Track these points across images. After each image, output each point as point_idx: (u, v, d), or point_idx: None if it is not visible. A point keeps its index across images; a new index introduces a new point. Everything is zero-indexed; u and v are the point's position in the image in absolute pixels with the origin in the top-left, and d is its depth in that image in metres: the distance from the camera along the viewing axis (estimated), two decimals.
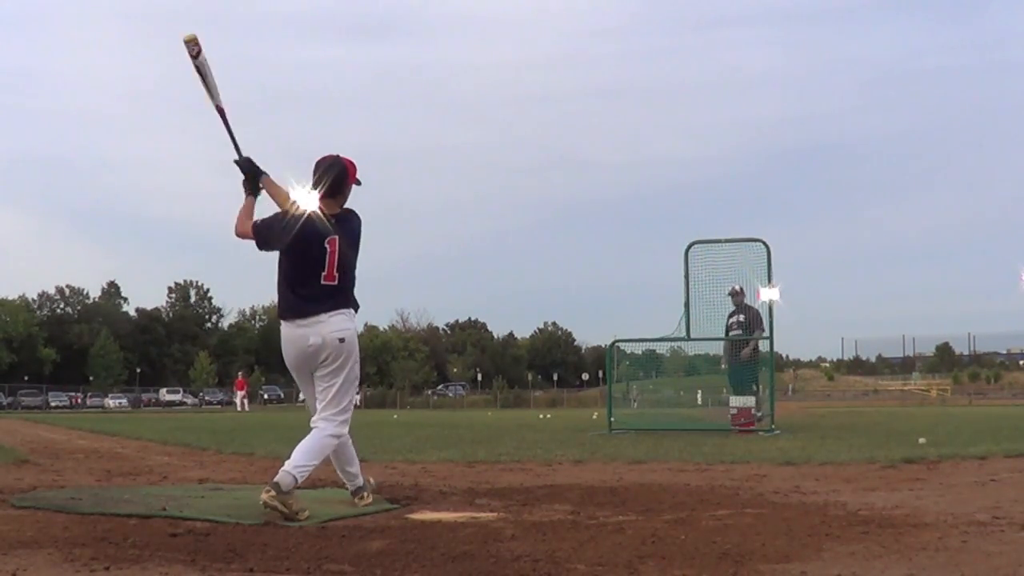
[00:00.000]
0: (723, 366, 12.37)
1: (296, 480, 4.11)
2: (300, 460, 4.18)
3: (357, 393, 4.70)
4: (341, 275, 4.33)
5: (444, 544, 3.33)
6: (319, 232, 4.28)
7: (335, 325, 4.28)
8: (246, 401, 42.75)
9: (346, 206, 4.45)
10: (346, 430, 4.42)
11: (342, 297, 4.36)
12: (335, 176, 4.36)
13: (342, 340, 4.28)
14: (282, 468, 4.12)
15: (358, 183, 4.47)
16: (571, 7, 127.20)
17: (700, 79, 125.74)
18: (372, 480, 4.76)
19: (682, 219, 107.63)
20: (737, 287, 11.94)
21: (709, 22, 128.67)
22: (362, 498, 4.52)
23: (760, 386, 11.82)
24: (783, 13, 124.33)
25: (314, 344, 4.26)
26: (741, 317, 11.95)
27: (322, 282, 4.29)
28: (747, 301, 11.99)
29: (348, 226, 4.40)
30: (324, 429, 4.31)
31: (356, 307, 4.46)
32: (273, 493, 4.03)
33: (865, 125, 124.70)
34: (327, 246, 4.29)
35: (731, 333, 12.01)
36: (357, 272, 4.48)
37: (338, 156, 4.42)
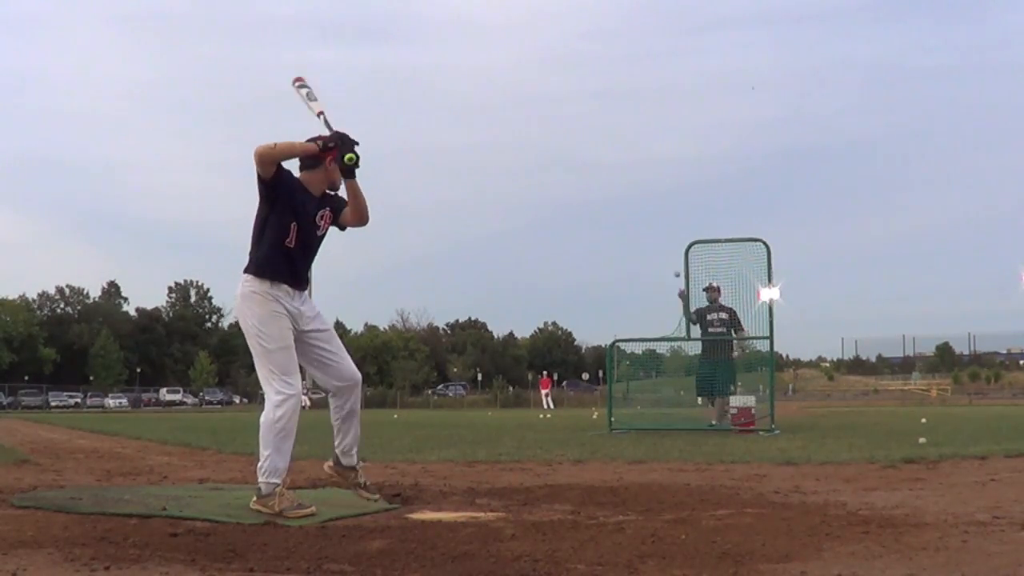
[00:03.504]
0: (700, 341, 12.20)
1: (267, 479, 4.12)
2: (259, 460, 4.20)
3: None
4: None
5: (444, 544, 3.32)
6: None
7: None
8: (551, 400, 41.23)
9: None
10: (283, 409, 4.12)
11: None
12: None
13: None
14: None
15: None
16: (570, 8, 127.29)
17: (699, 79, 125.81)
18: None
19: (682, 219, 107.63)
20: (715, 283, 11.92)
21: (708, 23, 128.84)
22: (356, 482, 4.48)
23: (736, 387, 11.83)
24: (782, 13, 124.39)
25: None
26: (723, 315, 11.92)
27: None
28: (722, 301, 11.95)
29: None
30: (263, 415, 4.22)
31: (253, 271, 4.25)
32: (254, 498, 4.17)
33: (865, 125, 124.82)
34: None
35: (711, 330, 11.97)
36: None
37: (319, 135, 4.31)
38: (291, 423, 4.17)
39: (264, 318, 4.20)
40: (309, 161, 4.25)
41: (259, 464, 4.19)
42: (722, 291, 11.93)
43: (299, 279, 4.33)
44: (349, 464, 4.51)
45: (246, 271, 4.28)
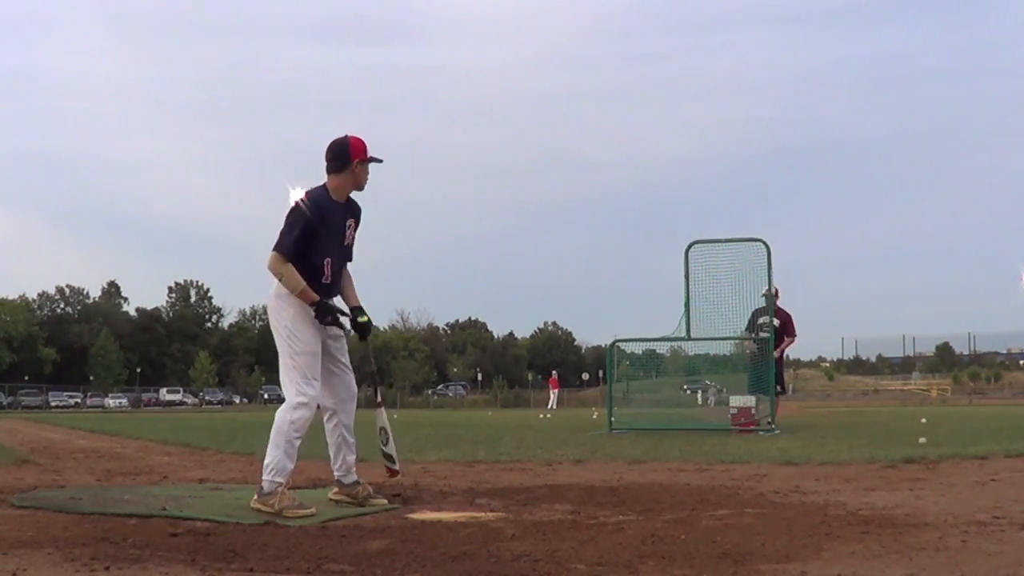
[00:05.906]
0: (748, 343, 12.24)
1: (272, 477, 4.12)
2: (266, 458, 4.20)
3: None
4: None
5: (444, 544, 3.33)
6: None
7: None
8: (555, 400, 41.41)
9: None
10: (300, 412, 4.18)
11: None
12: (334, 150, 4.38)
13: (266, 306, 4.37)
14: None
15: (376, 160, 4.41)
16: (570, 8, 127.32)
17: (699, 79, 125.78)
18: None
19: (682, 219, 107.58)
20: (773, 288, 11.93)
21: (708, 23, 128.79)
22: (356, 494, 4.45)
23: (782, 387, 11.82)
24: (782, 13, 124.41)
25: None
26: (776, 321, 11.92)
27: None
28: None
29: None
30: (278, 413, 4.27)
31: (279, 276, 4.28)
32: (255, 497, 4.17)
33: (865, 125, 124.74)
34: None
35: (761, 333, 11.95)
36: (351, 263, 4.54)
37: (344, 135, 4.44)
38: (305, 427, 4.24)
39: (297, 321, 4.27)
40: (337, 164, 4.36)
41: (266, 461, 4.18)
42: (780, 295, 11.94)
43: (331, 291, 4.43)
44: (352, 481, 4.49)
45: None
